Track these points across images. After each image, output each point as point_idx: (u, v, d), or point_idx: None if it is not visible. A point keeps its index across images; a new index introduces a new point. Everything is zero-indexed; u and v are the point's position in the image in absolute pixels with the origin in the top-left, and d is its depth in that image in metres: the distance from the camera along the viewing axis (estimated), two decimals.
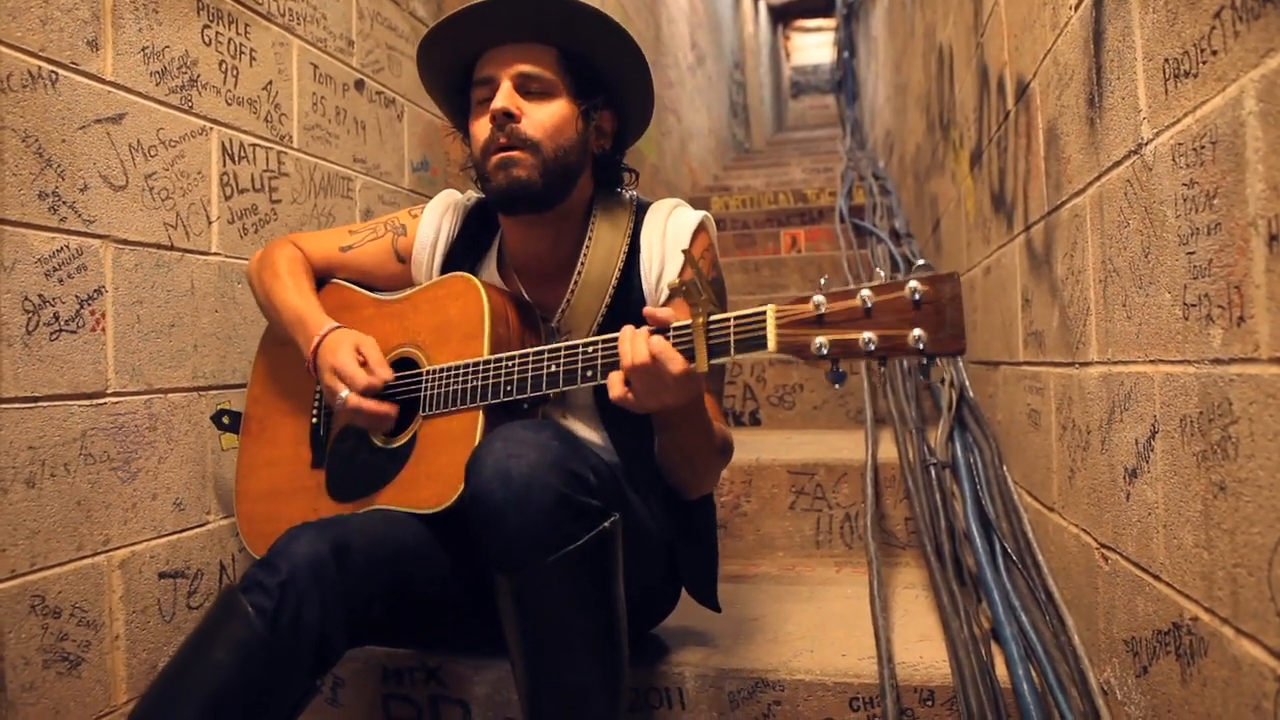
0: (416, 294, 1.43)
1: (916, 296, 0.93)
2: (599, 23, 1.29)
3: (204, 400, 1.57)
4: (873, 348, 0.94)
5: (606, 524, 1.11)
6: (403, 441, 1.33)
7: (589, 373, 1.16)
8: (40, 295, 1.25)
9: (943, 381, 2.28)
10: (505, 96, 1.27)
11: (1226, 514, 0.82)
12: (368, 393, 1.28)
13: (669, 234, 1.35)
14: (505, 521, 1.06)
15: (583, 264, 1.37)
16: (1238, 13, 0.76)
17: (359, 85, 2.06)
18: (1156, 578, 1.01)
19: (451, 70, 1.37)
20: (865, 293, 0.96)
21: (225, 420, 1.59)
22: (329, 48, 1.95)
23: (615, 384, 1.08)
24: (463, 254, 1.47)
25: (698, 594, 1.45)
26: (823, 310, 0.98)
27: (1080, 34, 1.23)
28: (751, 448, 2.26)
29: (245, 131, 1.68)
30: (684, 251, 1.04)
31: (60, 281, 1.29)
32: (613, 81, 1.35)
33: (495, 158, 1.28)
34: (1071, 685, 1.25)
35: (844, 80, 8.56)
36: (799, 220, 4.84)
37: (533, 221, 1.35)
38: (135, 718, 1.05)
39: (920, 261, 1.02)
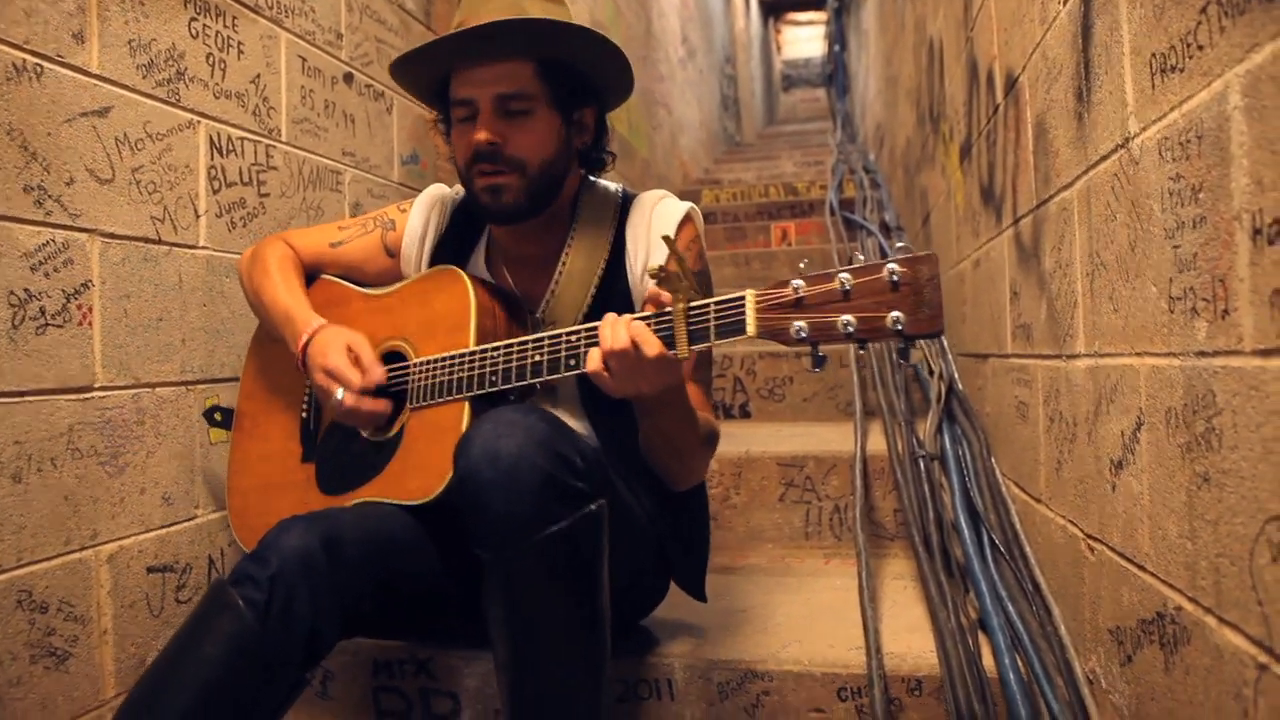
0: (404, 288, 1.43)
1: (894, 278, 0.93)
2: (572, 33, 1.29)
3: (192, 394, 1.56)
4: (851, 330, 0.95)
5: (593, 507, 1.12)
6: (390, 434, 1.34)
7: (572, 361, 1.16)
8: (26, 289, 1.25)
9: (931, 373, 2.29)
10: (486, 126, 1.27)
11: (1210, 505, 0.83)
12: (364, 393, 1.28)
13: (654, 225, 1.36)
14: (492, 500, 1.07)
15: (567, 256, 1.37)
16: (1223, 8, 0.77)
17: (348, 78, 2.05)
18: (1141, 568, 1.02)
19: (428, 85, 1.39)
20: (843, 275, 0.96)
21: (218, 417, 1.58)
22: (317, 41, 1.94)
23: (593, 359, 1.09)
24: (451, 248, 1.48)
25: (685, 584, 1.45)
26: (801, 294, 0.98)
27: (1069, 28, 1.24)
28: (741, 440, 2.26)
29: (233, 125, 1.67)
30: (665, 238, 1.04)
31: (46, 275, 1.28)
32: (592, 77, 1.35)
33: (482, 181, 1.30)
34: (1057, 674, 1.26)
35: (835, 74, 8.57)
36: (790, 213, 4.85)
37: (520, 224, 1.36)
38: (125, 711, 1.05)
39: (900, 244, 1.02)
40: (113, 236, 1.40)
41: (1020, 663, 1.30)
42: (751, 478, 2.10)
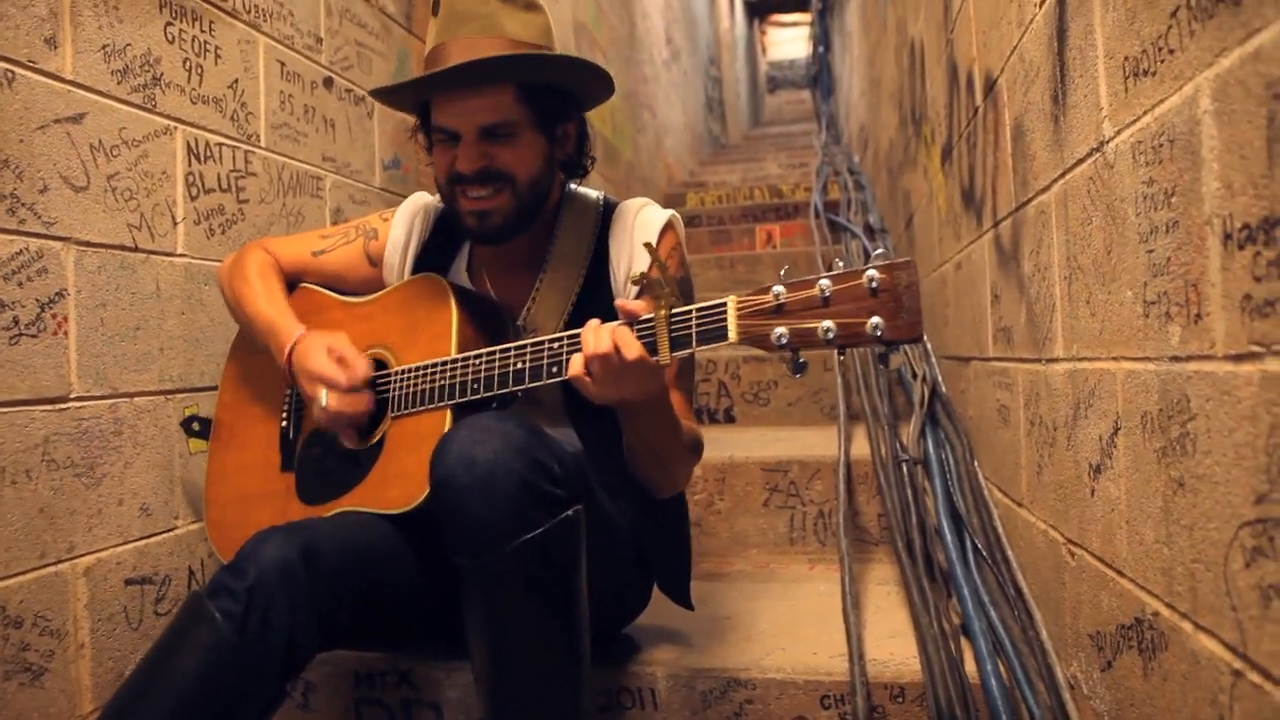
0: (385, 296, 1.42)
1: (873, 284, 0.94)
2: (550, 62, 1.28)
3: (171, 404, 1.55)
4: (831, 336, 0.95)
5: (570, 513, 1.11)
6: (371, 443, 1.33)
7: (554, 368, 1.16)
8: None
9: (915, 376, 2.29)
10: (470, 159, 1.27)
11: (1185, 510, 0.83)
12: (351, 389, 1.27)
13: (636, 233, 1.36)
14: (468, 506, 1.06)
15: (548, 264, 1.37)
16: (1193, 12, 0.77)
17: (328, 83, 2.04)
18: (1120, 573, 1.02)
19: (410, 106, 1.40)
20: (824, 282, 0.97)
21: (195, 426, 1.57)
22: (296, 45, 1.93)
23: (575, 364, 1.09)
24: (433, 256, 1.48)
25: (671, 592, 1.45)
26: (782, 300, 0.98)
27: (1044, 31, 1.24)
28: (726, 445, 2.26)
29: (211, 130, 1.66)
30: (646, 245, 1.04)
31: (20, 285, 1.26)
32: (573, 91, 1.35)
33: (468, 204, 1.30)
34: (1039, 680, 1.26)
35: (819, 75, 8.59)
36: (774, 216, 4.86)
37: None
38: None
39: (879, 250, 1.03)
40: (88, 245, 1.38)
41: (1002, 668, 1.30)
42: (736, 483, 2.10)
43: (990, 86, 1.61)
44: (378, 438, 1.32)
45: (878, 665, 1.35)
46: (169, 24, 1.56)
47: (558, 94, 1.32)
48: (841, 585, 1.60)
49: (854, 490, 2.01)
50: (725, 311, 1.02)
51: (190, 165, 1.60)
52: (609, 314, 1.12)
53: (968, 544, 1.61)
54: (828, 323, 0.96)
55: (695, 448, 1.34)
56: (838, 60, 7.92)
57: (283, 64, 1.88)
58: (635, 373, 1.07)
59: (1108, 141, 1.01)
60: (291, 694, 1.17)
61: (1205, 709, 0.80)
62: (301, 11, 1.95)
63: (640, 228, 1.36)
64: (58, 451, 1.32)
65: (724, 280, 3.84)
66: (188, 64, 1.60)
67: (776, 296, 0.99)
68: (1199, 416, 0.80)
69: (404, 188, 2.34)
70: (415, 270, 1.47)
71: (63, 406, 1.33)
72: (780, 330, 0.98)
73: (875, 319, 0.93)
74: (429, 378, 1.27)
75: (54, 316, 1.32)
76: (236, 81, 1.73)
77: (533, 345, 1.18)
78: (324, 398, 1.26)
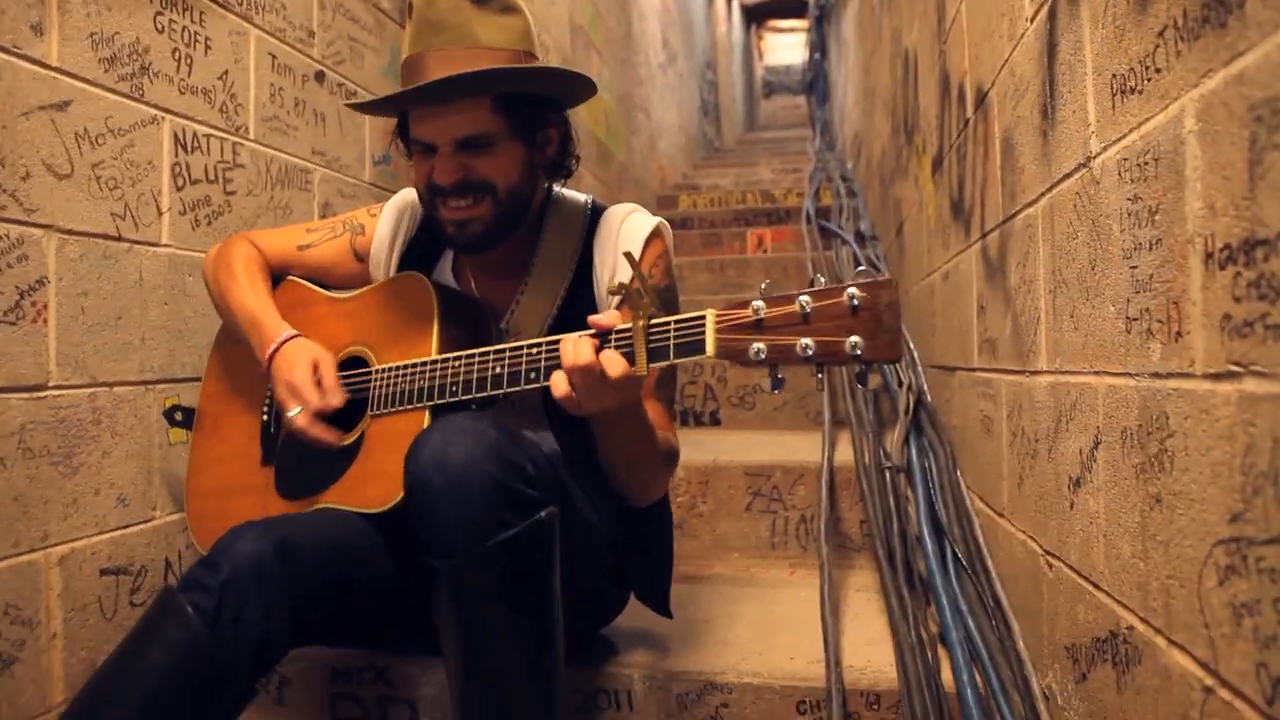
0: (369, 293, 1.42)
1: (854, 303, 0.93)
2: (524, 75, 1.27)
3: (151, 394, 1.54)
4: (810, 354, 0.95)
5: (543, 514, 1.11)
6: (351, 440, 1.32)
7: (533, 374, 1.15)
8: None
9: (901, 384, 2.30)
10: (447, 172, 1.26)
11: (1161, 526, 0.84)
12: (320, 415, 1.27)
13: (621, 240, 1.35)
14: (441, 507, 1.06)
15: (533, 267, 1.37)
16: (1180, 33, 0.77)
17: (319, 77, 2.03)
18: (1096, 586, 1.02)
19: (391, 114, 1.38)
20: (804, 298, 0.96)
21: (178, 416, 1.56)
22: (288, 38, 1.92)
23: (559, 383, 1.08)
24: (420, 254, 1.47)
25: (649, 601, 1.44)
26: (762, 315, 0.98)
27: (1035, 46, 1.24)
28: (710, 448, 2.26)
29: (199, 121, 1.64)
30: (626, 255, 1.04)
31: None
32: (552, 95, 1.34)
33: (448, 214, 1.29)
34: (1014, 690, 1.26)
35: (815, 81, 8.60)
36: (766, 220, 4.86)
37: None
38: (67, 719, 1.02)
39: (860, 267, 1.02)
40: (70, 233, 1.37)
41: (979, 677, 1.31)
42: (719, 486, 2.10)
43: (981, 99, 1.62)
44: (356, 436, 1.32)
45: (854, 672, 1.35)
46: (159, 13, 1.55)
47: (536, 101, 1.31)
48: (821, 592, 1.60)
49: (837, 496, 2.01)
50: (704, 325, 1.01)
51: (177, 156, 1.59)
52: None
53: (948, 553, 1.61)
54: (806, 340, 0.95)
55: (670, 459, 1.34)
56: (833, 67, 7.94)
57: (274, 56, 1.87)
58: (616, 385, 1.07)
59: (1094, 157, 1.01)
60: (262, 691, 1.16)
61: None
62: (294, 5, 1.94)
63: (626, 235, 1.35)
64: (34, 440, 1.31)
65: (714, 283, 3.85)
66: (177, 54, 1.59)
67: (756, 311, 0.98)
68: (1177, 434, 0.80)
69: (394, 183, 2.33)
70: (401, 268, 1.46)
71: (40, 395, 1.32)
72: (758, 346, 0.97)
73: (854, 338, 0.93)
74: (409, 378, 1.26)
75: (33, 304, 1.31)
76: (226, 73, 1.72)
77: (511, 350, 1.17)
78: (295, 414, 1.26)
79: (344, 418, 1.31)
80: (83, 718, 1.02)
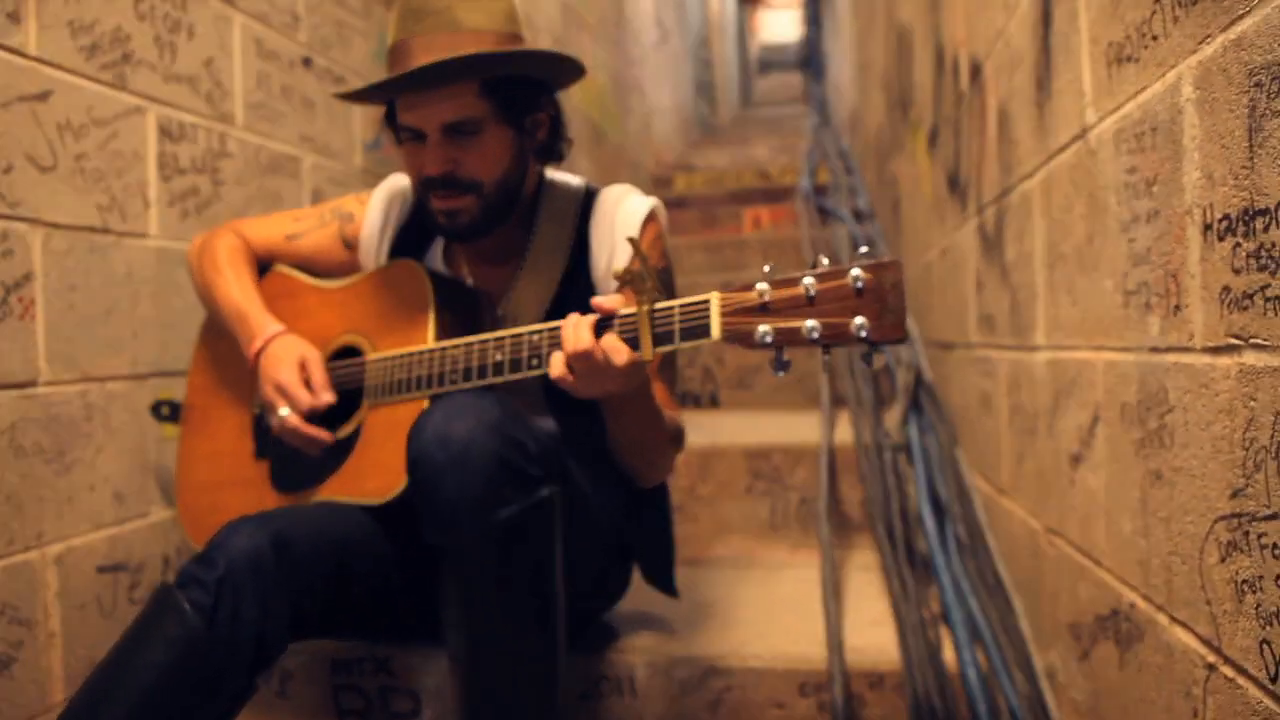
0: (360, 281, 1.40)
1: (859, 284, 0.92)
2: (509, 59, 1.25)
3: (144, 389, 1.52)
4: (816, 336, 0.94)
5: (545, 492, 1.10)
6: (347, 432, 1.31)
7: (534, 361, 1.14)
8: None
9: (900, 363, 2.29)
10: (436, 158, 1.24)
11: (1162, 502, 0.82)
12: (308, 415, 1.25)
13: (618, 222, 1.33)
14: (443, 483, 1.05)
15: (528, 252, 1.35)
16: None
17: (306, 62, 2.01)
18: (1097, 563, 1.01)
19: (379, 102, 1.35)
20: (808, 280, 0.95)
21: (165, 411, 1.54)
22: (273, 23, 1.89)
23: (556, 364, 1.07)
24: (411, 241, 1.45)
25: (655, 580, 1.44)
26: (767, 298, 0.97)
27: (1030, 16, 1.22)
28: (710, 430, 2.25)
29: (185, 110, 1.62)
30: (630, 239, 1.02)
31: None
32: (540, 78, 1.32)
33: (438, 204, 1.27)
34: (1017, 669, 1.26)
35: (810, 58, 8.54)
36: (763, 199, 4.83)
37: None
38: (64, 718, 1.02)
39: (862, 249, 1.00)
40: (56, 226, 1.35)
41: (981, 657, 1.30)
42: (719, 468, 2.09)
43: (976, 72, 1.59)
44: (353, 427, 1.30)
45: (857, 653, 1.35)
46: (139, 0, 1.52)
47: (524, 84, 1.29)
48: (822, 573, 1.60)
49: (837, 477, 2.00)
50: (709, 308, 1.00)
51: (163, 145, 1.57)
52: (588, 304, 1.10)
53: (948, 531, 1.61)
54: (812, 322, 0.94)
55: (677, 437, 1.33)
56: (829, 43, 7.87)
57: (259, 42, 1.84)
58: (619, 371, 1.06)
59: (1091, 129, 0.99)
60: (261, 686, 1.15)
61: (1179, 701, 0.79)
62: None
63: (621, 218, 1.34)
64: (25, 438, 1.30)
65: (710, 264, 3.82)
66: (160, 41, 1.57)
67: (761, 294, 0.97)
68: (1177, 409, 0.79)
69: (385, 169, 2.30)
70: (392, 255, 1.44)
71: (30, 392, 1.31)
72: (764, 329, 0.96)
73: (860, 319, 0.92)
74: (406, 367, 1.25)
75: (20, 300, 1.29)
76: (211, 60, 1.70)
77: (511, 337, 1.16)
78: (283, 413, 1.25)
79: (338, 408, 1.30)
80: (81, 717, 1.01)
